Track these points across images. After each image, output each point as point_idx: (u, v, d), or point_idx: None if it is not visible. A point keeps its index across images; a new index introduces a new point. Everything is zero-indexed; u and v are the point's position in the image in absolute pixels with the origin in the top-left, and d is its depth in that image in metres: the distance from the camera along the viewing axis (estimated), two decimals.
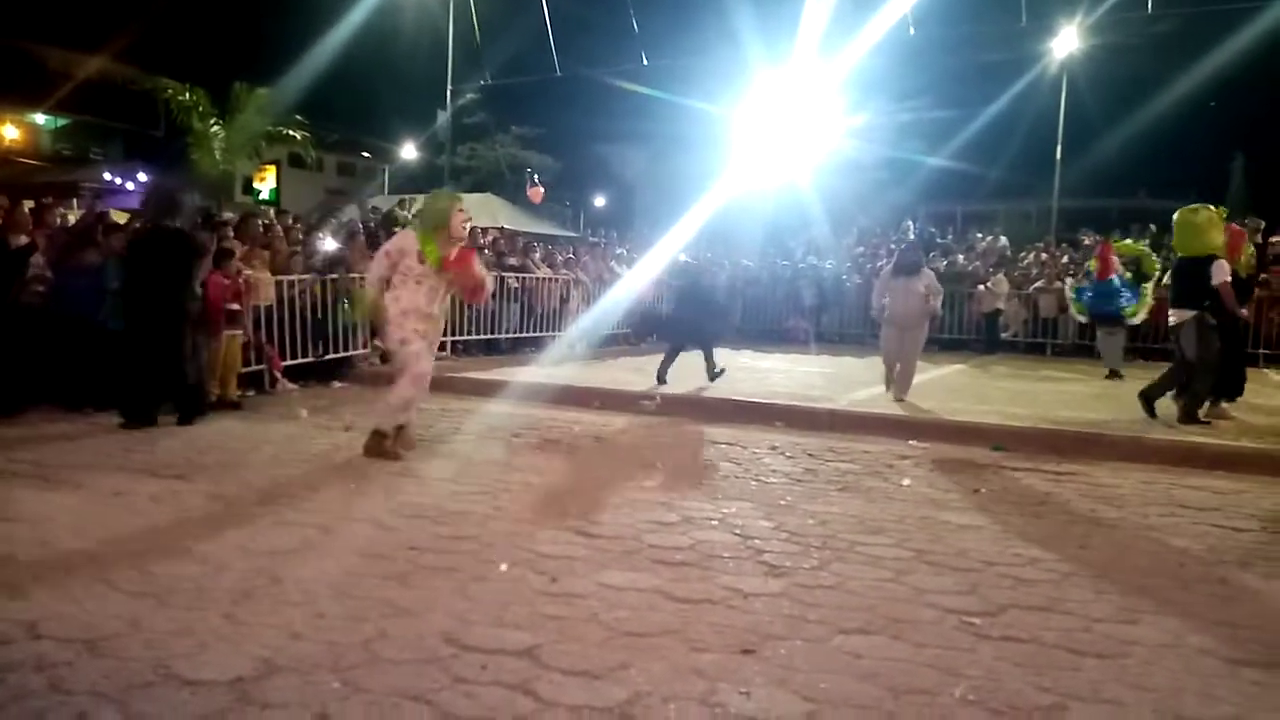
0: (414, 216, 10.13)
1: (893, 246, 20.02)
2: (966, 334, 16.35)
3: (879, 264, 18.51)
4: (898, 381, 8.98)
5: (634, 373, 10.75)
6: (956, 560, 4.08)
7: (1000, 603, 3.53)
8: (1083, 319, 12.97)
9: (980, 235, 21.02)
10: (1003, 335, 15.90)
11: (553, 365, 11.27)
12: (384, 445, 5.95)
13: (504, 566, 3.79)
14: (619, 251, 17.26)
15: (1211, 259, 7.78)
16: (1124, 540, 4.59)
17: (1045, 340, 15.83)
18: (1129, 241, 13.84)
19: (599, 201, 34.95)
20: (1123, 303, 11.67)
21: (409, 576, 3.62)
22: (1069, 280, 13.60)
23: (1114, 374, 11.58)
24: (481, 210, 20.33)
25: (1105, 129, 29.54)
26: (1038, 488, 5.78)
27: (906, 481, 5.87)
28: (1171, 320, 8.18)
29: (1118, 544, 4.51)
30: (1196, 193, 32.49)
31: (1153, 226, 21.37)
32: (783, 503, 5.14)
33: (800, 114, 21.80)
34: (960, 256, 18.84)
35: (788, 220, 22.84)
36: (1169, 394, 8.04)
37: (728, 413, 8.29)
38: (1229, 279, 7.68)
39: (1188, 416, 7.74)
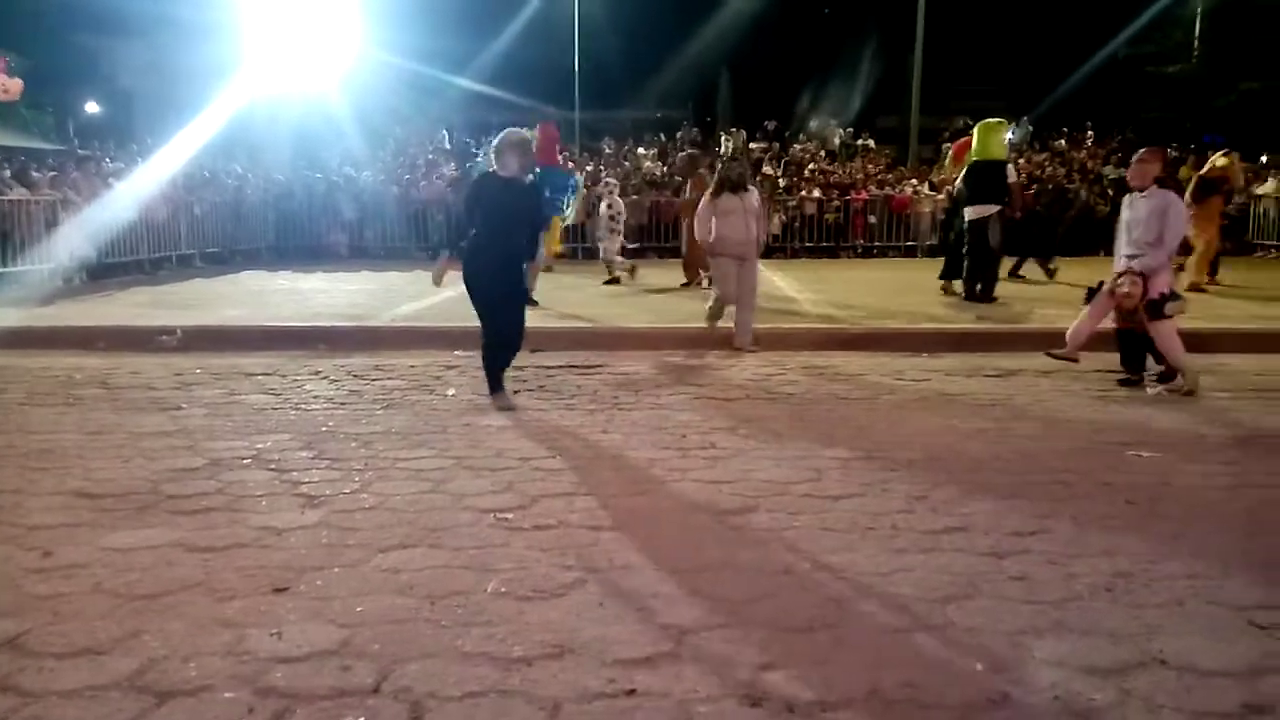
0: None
1: (430, 156, 19.97)
2: None
3: (418, 176, 18.36)
4: (739, 327, 7.44)
5: (149, 306, 9.58)
6: (494, 461, 4.27)
7: (532, 494, 3.77)
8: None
9: None
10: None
11: (42, 304, 9.61)
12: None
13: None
14: (116, 165, 15.02)
15: (1005, 164, 9.40)
16: (639, 420, 5.15)
17: (577, 245, 16.88)
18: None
19: (90, 107, 29.90)
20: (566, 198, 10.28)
21: None
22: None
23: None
24: None
25: (616, 48, 31.95)
26: (571, 381, 6.23)
27: (451, 392, 5.99)
28: (971, 215, 9.48)
29: (634, 423, 5.05)
30: (694, 103, 36.74)
31: (662, 135, 23.72)
32: (324, 429, 4.96)
33: (320, 17, 20.50)
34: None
35: (319, 130, 21.55)
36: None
37: (263, 340, 7.76)
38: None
39: (989, 295, 9.37)
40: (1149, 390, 5.90)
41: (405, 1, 23.95)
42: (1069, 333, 6.41)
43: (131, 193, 13.14)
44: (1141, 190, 5.98)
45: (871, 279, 12.64)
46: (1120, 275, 5.95)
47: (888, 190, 18.15)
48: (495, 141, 5.56)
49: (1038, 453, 4.47)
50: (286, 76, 20.52)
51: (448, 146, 21.45)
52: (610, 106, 35.90)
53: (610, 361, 6.96)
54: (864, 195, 18.09)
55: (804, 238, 17.47)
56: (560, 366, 6.77)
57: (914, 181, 18.69)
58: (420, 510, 3.59)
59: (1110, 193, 17.55)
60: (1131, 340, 6.09)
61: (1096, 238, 16.12)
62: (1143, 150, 6.19)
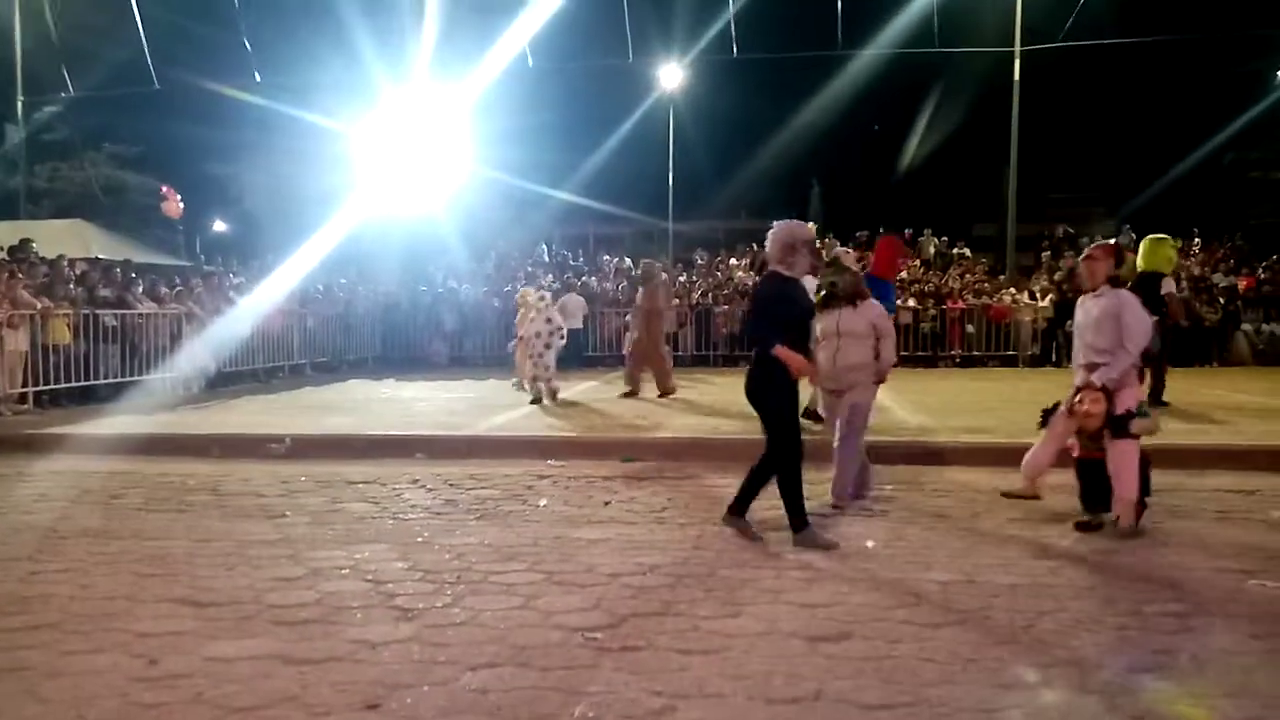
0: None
1: (529, 269, 20.66)
2: (606, 351, 17.27)
3: (518, 285, 18.99)
4: (835, 475, 5.92)
5: (261, 414, 10.02)
6: (584, 577, 4.26)
7: (621, 614, 3.73)
8: None
9: (608, 257, 22.29)
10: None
11: (164, 412, 10.17)
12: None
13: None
14: (237, 280, 16.01)
15: (1162, 276, 9.72)
16: (732, 535, 5.07)
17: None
18: None
19: (218, 226, 32.21)
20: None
21: None
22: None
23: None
24: (71, 238, 17.86)
25: (708, 160, 32.97)
26: (660, 494, 6.20)
27: (543, 502, 6.03)
28: None
29: (726, 539, 4.98)
30: (786, 213, 37.33)
31: (754, 245, 23.99)
32: (419, 540, 5.04)
33: (428, 141, 21.80)
34: (593, 279, 19.83)
35: (425, 245, 22.65)
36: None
37: (366, 449, 8.00)
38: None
39: (1157, 399, 9.63)
40: (1275, 514, 5.53)
41: (508, 120, 25.27)
42: (1024, 464, 5.78)
43: (250, 306, 13.94)
44: (1093, 291, 5.48)
45: (971, 389, 12.37)
46: (1080, 391, 5.22)
47: (985, 299, 17.89)
48: (777, 235, 4.90)
49: (1149, 579, 4.22)
50: (395, 197, 21.74)
51: (546, 259, 22.17)
52: (702, 217, 36.74)
53: (702, 473, 6.92)
54: (961, 304, 17.86)
55: (900, 347, 17.26)
56: (649, 479, 6.76)
57: (1013, 290, 18.38)
58: (510, 627, 3.59)
59: (1221, 300, 16.94)
60: (1094, 472, 5.19)
61: (1206, 347, 15.88)
62: (1091, 247, 5.75)
